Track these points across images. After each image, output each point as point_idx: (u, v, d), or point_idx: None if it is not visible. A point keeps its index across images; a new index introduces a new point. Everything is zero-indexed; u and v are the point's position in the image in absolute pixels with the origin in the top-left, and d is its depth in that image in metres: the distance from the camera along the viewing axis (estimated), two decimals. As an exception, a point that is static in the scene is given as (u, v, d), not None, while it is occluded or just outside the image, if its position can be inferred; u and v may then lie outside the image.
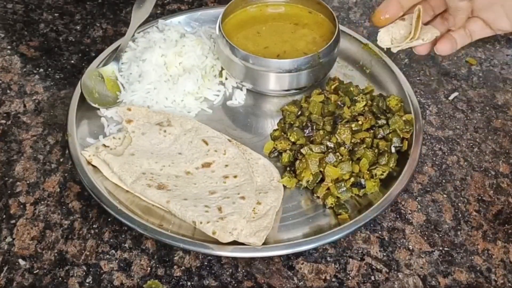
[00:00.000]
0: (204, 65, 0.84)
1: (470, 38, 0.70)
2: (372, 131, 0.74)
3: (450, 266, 0.66)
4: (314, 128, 0.74)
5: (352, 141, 0.72)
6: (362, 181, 0.70)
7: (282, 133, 0.76)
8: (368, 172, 0.70)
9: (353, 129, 0.73)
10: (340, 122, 0.73)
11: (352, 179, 0.70)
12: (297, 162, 0.71)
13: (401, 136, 0.73)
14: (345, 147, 0.71)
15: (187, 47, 0.84)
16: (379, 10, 0.70)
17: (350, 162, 0.70)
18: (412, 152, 0.72)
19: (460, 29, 0.69)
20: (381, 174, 0.71)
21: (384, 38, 0.71)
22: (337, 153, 0.71)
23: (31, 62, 0.90)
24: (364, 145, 0.72)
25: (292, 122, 0.77)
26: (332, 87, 0.81)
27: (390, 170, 0.71)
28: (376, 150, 0.72)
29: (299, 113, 0.78)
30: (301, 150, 0.71)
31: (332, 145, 0.71)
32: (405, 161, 0.72)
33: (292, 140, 0.74)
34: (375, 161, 0.71)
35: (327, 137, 0.73)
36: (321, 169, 0.70)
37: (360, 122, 0.73)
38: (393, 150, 0.72)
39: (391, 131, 0.74)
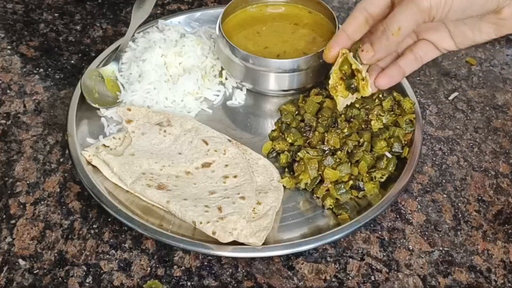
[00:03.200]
0: (204, 65, 0.84)
1: (421, 61, 0.70)
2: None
3: (450, 266, 0.66)
4: (311, 129, 0.74)
5: (350, 143, 0.72)
6: (361, 184, 0.69)
7: (280, 134, 0.76)
8: (367, 175, 0.70)
9: (345, 133, 0.73)
10: (333, 127, 0.73)
11: (351, 182, 0.70)
12: (296, 164, 0.71)
13: (403, 141, 0.73)
14: (341, 151, 0.71)
15: (187, 47, 0.84)
16: (328, 46, 0.69)
17: (349, 164, 0.70)
18: (412, 153, 0.72)
19: (408, 55, 0.69)
20: (381, 177, 0.71)
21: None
22: (335, 156, 0.71)
23: (31, 62, 0.90)
24: (363, 148, 0.71)
25: (289, 123, 0.77)
26: None
27: (390, 173, 0.71)
28: (375, 154, 0.72)
29: (297, 112, 0.78)
30: (298, 153, 0.71)
31: (326, 149, 0.71)
32: (405, 162, 0.72)
33: (290, 141, 0.74)
34: (374, 164, 0.71)
35: (320, 141, 0.73)
36: (320, 172, 0.70)
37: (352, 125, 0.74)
38: (389, 155, 0.72)
39: (392, 136, 0.74)
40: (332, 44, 0.69)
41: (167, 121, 0.77)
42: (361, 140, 0.73)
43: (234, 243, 0.64)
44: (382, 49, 0.64)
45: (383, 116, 0.75)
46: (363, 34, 0.67)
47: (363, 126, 0.75)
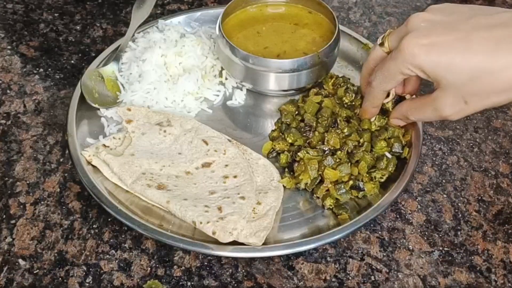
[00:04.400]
0: (204, 65, 0.84)
1: None
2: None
3: (450, 266, 0.66)
4: (311, 129, 0.74)
5: (350, 144, 0.72)
6: (361, 184, 0.69)
7: (280, 134, 0.76)
8: (367, 175, 0.70)
9: (345, 133, 0.73)
10: (333, 127, 0.73)
11: (351, 182, 0.70)
12: (296, 164, 0.71)
13: (403, 141, 0.73)
14: (341, 151, 0.71)
15: (187, 47, 0.84)
16: (361, 112, 0.74)
17: (349, 164, 0.70)
18: (412, 153, 0.72)
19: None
20: (381, 177, 0.71)
21: None
22: (335, 156, 0.71)
23: (31, 62, 0.90)
24: (363, 148, 0.71)
25: (289, 123, 0.77)
26: (330, 83, 0.81)
27: (390, 173, 0.71)
28: (375, 154, 0.72)
29: (297, 112, 0.78)
30: (298, 153, 0.71)
31: (326, 149, 0.71)
32: (405, 162, 0.72)
33: (290, 141, 0.74)
34: (374, 164, 0.71)
35: (320, 141, 0.73)
36: (320, 172, 0.70)
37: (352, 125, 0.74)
38: (389, 155, 0.72)
39: (392, 136, 0.74)
40: (368, 117, 0.74)
41: (167, 121, 0.77)
42: (361, 140, 0.73)
43: (234, 243, 0.64)
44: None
45: (375, 119, 0.75)
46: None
47: (361, 128, 0.75)
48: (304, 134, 0.74)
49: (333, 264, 0.66)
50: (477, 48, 0.55)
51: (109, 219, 0.69)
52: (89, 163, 0.72)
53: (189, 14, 0.93)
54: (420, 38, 0.57)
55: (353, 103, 0.77)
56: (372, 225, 0.70)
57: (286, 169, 0.73)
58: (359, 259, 0.67)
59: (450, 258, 0.67)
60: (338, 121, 0.74)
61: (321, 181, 0.70)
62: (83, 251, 0.66)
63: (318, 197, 0.70)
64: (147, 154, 0.73)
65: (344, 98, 0.78)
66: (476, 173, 0.76)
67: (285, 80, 0.79)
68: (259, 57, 0.77)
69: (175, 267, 0.65)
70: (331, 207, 0.69)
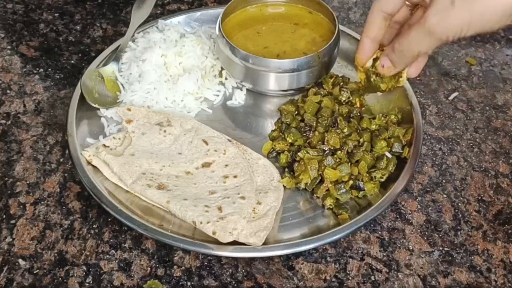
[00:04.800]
0: (204, 65, 0.84)
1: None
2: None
3: (450, 266, 0.66)
4: (311, 129, 0.74)
5: (350, 143, 0.72)
6: (361, 184, 0.69)
7: (280, 134, 0.76)
8: (367, 175, 0.70)
9: (345, 133, 0.73)
10: (333, 126, 0.73)
11: (351, 182, 0.70)
12: (296, 164, 0.71)
13: (403, 141, 0.73)
14: (341, 151, 0.71)
15: (187, 47, 0.84)
16: (357, 58, 0.73)
17: (349, 164, 0.70)
18: (411, 153, 0.72)
19: None
20: (381, 177, 0.71)
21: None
22: (335, 156, 0.71)
23: (31, 62, 0.90)
24: (363, 148, 0.71)
25: (288, 123, 0.77)
26: (330, 83, 0.81)
27: (390, 173, 0.71)
28: (375, 154, 0.72)
29: (297, 112, 0.78)
30: (298, 153, 0.71)
31: (326, 149, 0.71)
32: (405, 162, 0.72)
33: (290, 141, 0.74)
34: (374, 164, 0.71)
35: (320, 141, 0.73)
36: (320, 172, 0.70)
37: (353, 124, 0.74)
38: (389, 155, 0.72)
39: (392, 136, 0.74)
40: (361, 56, 0.72)
41: (167, 121, 0.77)
42: (361, 140, 0.73)
43: (234, 243, 0.64)
44: (401, 64, 0.68)
45: (375, 118, 0.75)
46: (384, 32, 0.69)
47: (360, 127, 0.75)
48: (304, 134, 0.74)
49: (333, 264, 0.66)
50: None
51: (109, 219, 0.69)
52: (89, 163, 0.72)
53: (189, 14, 0.93)
54: None
55: (349, 101, 0.77)
56: (372, 225, 0.70)
57: (286, 169, 0.73)
58: (359, 259, 0.67)
59: (450, 258, 0.67)
60: (338, 121, 0.74)
61: (321, 181, 0.70)
62: (83, 251, 0.66)
63: (318, 197, 0.70)
64: (147, 154, 0.73)
65: (340, 97, 0.78)
66: (476, 173, 0.76)
67: (285, 80, 0.79)
68: (259, 57, 0.77)
69: (175, 267, 0.65)
70: (331, 207, 0.69)
